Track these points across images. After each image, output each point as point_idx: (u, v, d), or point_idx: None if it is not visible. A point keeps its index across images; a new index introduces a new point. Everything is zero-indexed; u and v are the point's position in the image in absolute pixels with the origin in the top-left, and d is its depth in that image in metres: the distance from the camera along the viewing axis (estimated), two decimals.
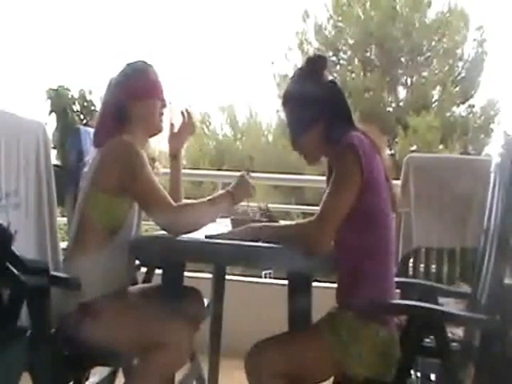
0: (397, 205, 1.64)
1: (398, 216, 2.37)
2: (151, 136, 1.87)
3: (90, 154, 1.84)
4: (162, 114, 1.85)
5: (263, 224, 1.67)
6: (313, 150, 1.67)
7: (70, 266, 1.70)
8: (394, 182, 2.75)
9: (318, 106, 1.62)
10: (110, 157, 1.68)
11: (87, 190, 1.70)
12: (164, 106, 1.85)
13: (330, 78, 1.68)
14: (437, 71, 14.66)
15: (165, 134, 2.00)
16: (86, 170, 1.80)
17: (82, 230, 1.69)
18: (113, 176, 1.65)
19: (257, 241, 1.56)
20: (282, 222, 1.84)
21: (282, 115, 1.92)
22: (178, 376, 1.83)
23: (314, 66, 1.67)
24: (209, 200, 1.67)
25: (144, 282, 2.25)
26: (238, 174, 1.78)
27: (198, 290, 2.00)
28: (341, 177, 1.52)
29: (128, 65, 1.84)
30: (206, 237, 1.60)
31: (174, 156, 2.04)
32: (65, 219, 2.23)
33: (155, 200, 1.62)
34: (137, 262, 2.10)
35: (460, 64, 15.01)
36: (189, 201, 1.78)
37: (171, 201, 1.63)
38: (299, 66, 1.78)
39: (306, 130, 1.63)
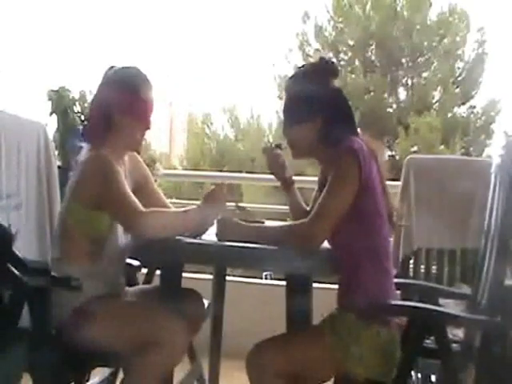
0: (393, 218, 1.64)
1: (397, 229, 2.35)
2: (130, 151, 1.84)
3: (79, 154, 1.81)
4: (143, 135, 1.81)
5: (254, 225, 1.66)
6: (302, 145, 1.67)
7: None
8: (395, 183, 2.75)
9: (318, 104, 1.62)
10: (88, 172, 1.69)
11: (68, 203, 1.72)
12: (148, 128, 1.80)
13: (337, 85, 1.68)
14: (437, 72, 14.62)
15: (166, 132, 1.96)
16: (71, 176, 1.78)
17: (66, 240, 1.70)
18: (90, 191, 1.66)
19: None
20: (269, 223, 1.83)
21: (282, 116, 1.89)
22: (179, 376, 1.83)
23: (326, 69, 1.67)
24: (183, 211, 1.68)
25: (144, 283, 2.25)
26: (238, 174, 1.77)
27: (197, 291, 2.00)
28: (339, 179, 1.53)
29: (126, 69, 1.78)
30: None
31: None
32: None
33: (123, 208, 1.63)
34: (137, 263, 2.10)
35: (461, 65, 14.98)
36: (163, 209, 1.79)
37: (140, 206, 1.62)
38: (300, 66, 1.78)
39: (300, 122, 1.64)
